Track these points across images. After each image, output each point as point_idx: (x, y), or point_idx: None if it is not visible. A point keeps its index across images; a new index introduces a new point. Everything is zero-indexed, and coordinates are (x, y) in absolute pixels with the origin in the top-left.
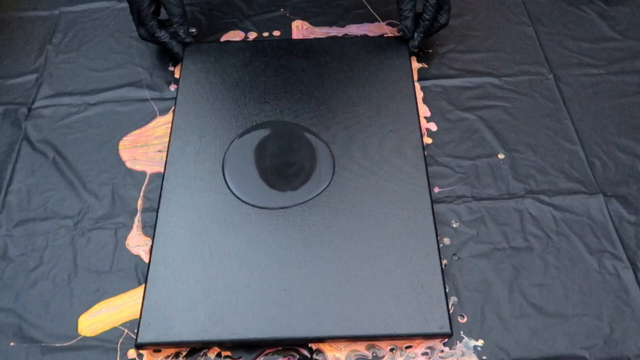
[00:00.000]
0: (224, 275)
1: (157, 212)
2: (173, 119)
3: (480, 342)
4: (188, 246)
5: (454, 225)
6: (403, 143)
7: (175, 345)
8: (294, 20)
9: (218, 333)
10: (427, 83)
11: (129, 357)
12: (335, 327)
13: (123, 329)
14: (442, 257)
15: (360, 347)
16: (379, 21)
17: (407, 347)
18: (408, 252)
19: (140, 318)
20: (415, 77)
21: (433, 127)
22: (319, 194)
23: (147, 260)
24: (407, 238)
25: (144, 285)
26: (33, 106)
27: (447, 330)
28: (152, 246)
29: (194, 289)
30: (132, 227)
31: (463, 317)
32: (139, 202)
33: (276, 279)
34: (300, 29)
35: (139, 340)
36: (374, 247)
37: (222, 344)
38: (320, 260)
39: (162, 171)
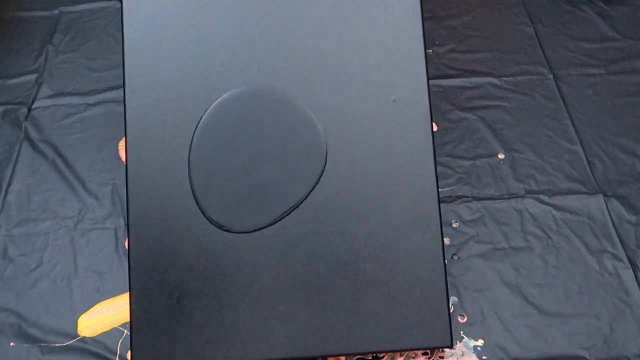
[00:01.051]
0: (209, 297)
1: (128, 240)
2: (125, 104)
3: (480, 342)
4: (165, 267)
5: (454, 225)
6: (409, 126)
7: None
8: None
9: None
10: None
11: (128, 358)
12: (335, 344)
13: (123, 329)
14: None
15: None
16: None
17: None
18: (410, 259)
19: (131, 345)
20: None
21: (433, 127)
22: (306, 197)
23: None
24: (408, 244)
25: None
26: (33, 106)
27: (447, 344)
28: (129, 281)
29: (183, 316)
30: None
31: (463, 317)
32: None
33: (267, 297)
34: None
35: None
36: (372, 257)
37: None
38: (314, 273)
39: None
